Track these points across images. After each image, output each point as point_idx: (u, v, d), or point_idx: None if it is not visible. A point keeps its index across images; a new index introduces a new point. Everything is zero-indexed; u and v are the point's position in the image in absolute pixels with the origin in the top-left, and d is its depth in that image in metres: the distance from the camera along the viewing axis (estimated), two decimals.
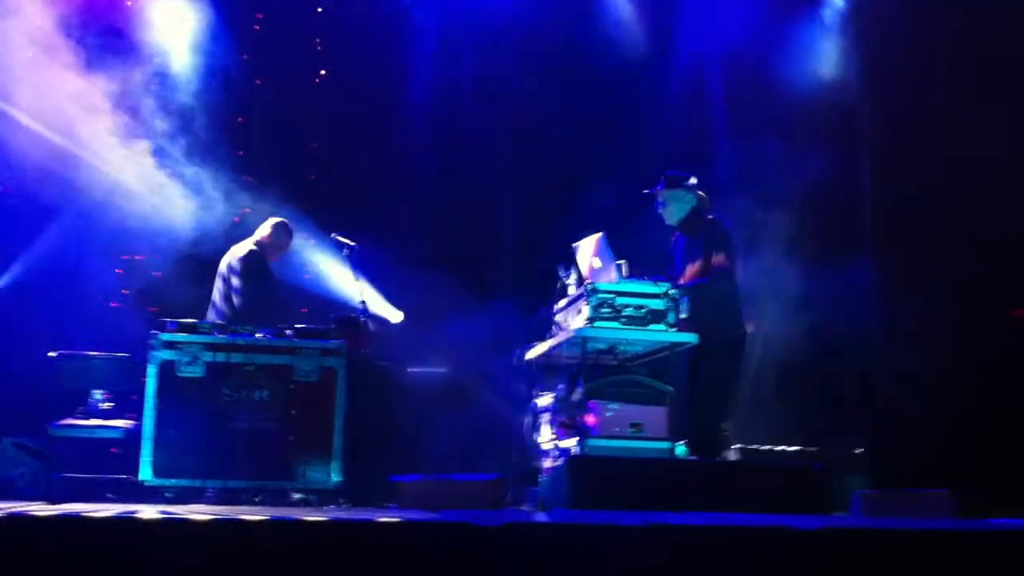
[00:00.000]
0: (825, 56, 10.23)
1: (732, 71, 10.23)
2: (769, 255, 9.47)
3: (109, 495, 7.43)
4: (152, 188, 9.13)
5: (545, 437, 7.31)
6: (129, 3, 9.39)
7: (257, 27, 9.97)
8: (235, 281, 8.05)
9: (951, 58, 9.20)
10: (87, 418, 7.77)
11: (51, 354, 7.98)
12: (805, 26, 10.20)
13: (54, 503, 5.84)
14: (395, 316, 9.37)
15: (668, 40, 10.45)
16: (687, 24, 10.54)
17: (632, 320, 6.75)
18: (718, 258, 7.17)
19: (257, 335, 7.49)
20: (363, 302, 8.04)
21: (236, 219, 9.26)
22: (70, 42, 8.87)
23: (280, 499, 7.35)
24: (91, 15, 9.10)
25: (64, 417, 7.73)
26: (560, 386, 7.21)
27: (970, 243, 9.12)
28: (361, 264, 8.30)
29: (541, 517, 4.67)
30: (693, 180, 7.43)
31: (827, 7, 10.38)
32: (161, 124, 9.21)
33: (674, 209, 7.45)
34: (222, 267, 8.22)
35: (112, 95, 9.01)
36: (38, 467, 7.69)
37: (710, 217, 7.43)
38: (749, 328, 7.38)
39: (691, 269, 7.28)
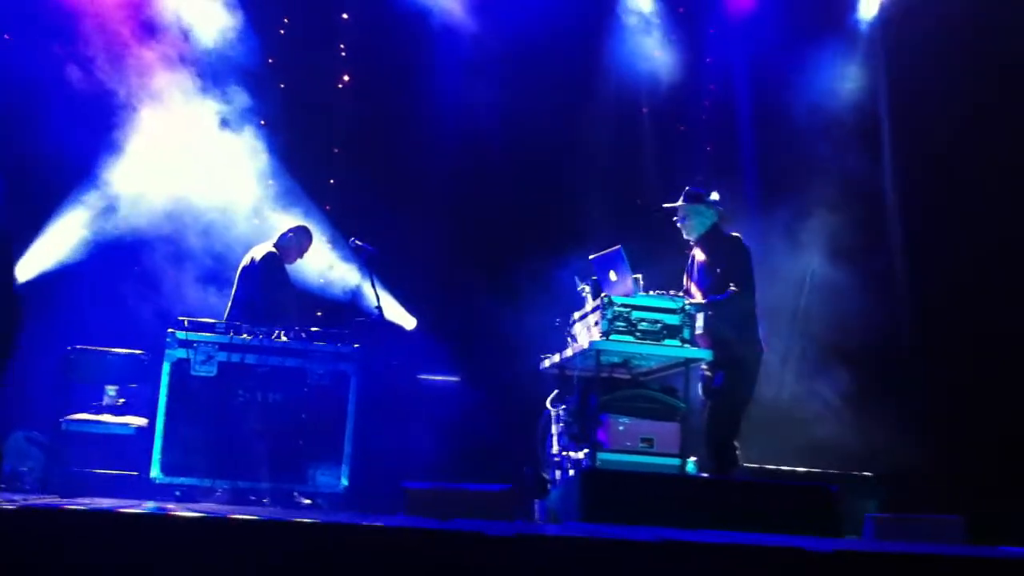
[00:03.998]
0: (851, 68, 10.22)
1: (758, 85, 10.22)
2: (789, 269, 9.47)
3: (117, 491, 7.43)
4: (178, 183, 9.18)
5: (556, 448, 7.29)
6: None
7: (283, 31, 9.99)
8: (253, 282, 8.07)
9: (974, 67, 9.18)
10: (99, 413, 7.79)
11: (67, 348, 8.00)
12: (830, 39, 10.17)
13: (61, 497, 5.84)
14: (409, 322, 9.37)
15: (695, 52, 10.45)
16: (714, 37, 10.54)
17: (647, 335, 6.73)
18: (736, 274, 7.12)
19: (272, 337, 7.50)
20: (379, 307, 8.03)
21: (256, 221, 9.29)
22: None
23: (289, 501, 7.35)
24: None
25: (77, 411, 7.74)
26: (572, 398, 7.19)
27: (997, 253, 9.05)
28: (378, 270, 8.30)
29: (553, 529, 4.64)
30: (715, 196, 7.37)
31: (854, 19, 10.36)
32: (188, 123, 9.25)
33: (694, 224, 7.38)
34: (241, 268, 8.25)
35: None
36: (47, 461, 7.71)
37: (730, 233, 7.37)
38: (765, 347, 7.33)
39: (709, 285, 7.23)
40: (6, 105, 8.59)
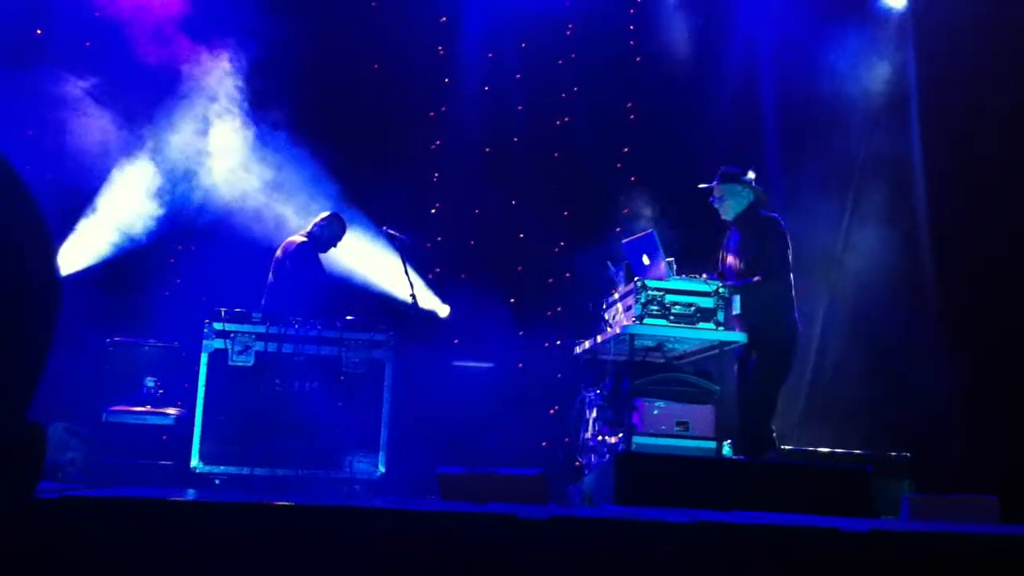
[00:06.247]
0: (878, 50, 10.12)
1: (783, 67, 10.15)
2: (815, 254, 9.41)
3: (158, 482, 7.52)
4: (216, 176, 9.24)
5: (590, 433, 7.31)
6: None
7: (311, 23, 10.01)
8: (287, 272, 8.12)
9: (1007, 51, 9.07)
10: (139, 405, 7.88)
11: (106, 341, 8.10)
12: (857, 21, 10.07)
13: (102, 488, 5.92)
14: (443, 309, 9.41)
15: (720, 36, 10.39)
16: (739, 20, 10.47)
17: (681, 318, 6.71)
18: (772, 256, 7.04)
19: (307, 326, 7.56)
20: (412, 295, 8.07)
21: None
22: None
23: (326, 489, 7.41)
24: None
25: (117, 403, 7.83)
26: (606, 383, 7.20)
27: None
28: (411, 257, 8.34)
29: (587, 511, 4.66)
30: (751, 175, 7.25)
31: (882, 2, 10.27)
32: (221, 117, 9.29)
33: (731, 204, 7.24)
34: (275, 258, 8.30)
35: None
36: (88, 452, 7.81)
37: (766, 214, 7.28)
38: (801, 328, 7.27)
39: (744, 266, 7.16)
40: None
